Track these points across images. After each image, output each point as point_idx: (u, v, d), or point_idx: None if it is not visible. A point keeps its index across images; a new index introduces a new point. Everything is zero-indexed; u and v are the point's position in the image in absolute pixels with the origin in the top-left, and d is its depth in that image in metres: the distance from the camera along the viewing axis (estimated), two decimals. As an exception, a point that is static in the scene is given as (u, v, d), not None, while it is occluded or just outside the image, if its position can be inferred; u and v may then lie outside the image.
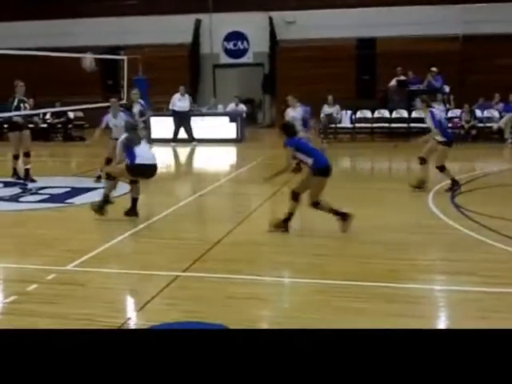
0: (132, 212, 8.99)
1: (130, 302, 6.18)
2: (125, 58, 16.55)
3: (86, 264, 7.05)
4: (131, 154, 8.75)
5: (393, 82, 20.67)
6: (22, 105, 12.00)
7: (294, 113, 13.05)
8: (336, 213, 8.23)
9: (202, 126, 18.73)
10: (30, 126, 20.47)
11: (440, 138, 10.80)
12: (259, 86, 24.07)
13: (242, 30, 24.20)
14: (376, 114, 20.01)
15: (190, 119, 18.61)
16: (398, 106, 20.02)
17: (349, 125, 19.98)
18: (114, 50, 23.42)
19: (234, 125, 18.86)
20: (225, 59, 24.54)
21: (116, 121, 11.78)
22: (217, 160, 16.62)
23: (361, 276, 6.48)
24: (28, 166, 12.22)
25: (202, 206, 10.69)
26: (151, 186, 10.66)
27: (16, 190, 11.25)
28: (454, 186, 10.76)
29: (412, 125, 19.21)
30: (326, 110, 19.61)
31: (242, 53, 24.35)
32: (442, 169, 10.83)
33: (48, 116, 20.98)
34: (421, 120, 19.23)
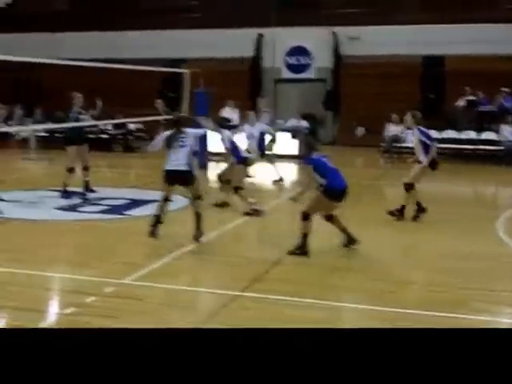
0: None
1: (187, 321, 6.14)
2: (187, 71, 16.66)
3: (144, 278, 7.08)
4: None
5: (461, 102, 20.30)
6: (80, 116, 12.17)
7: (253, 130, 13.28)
8: (346, 233, 8.34)
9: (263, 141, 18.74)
10: (91, 136, 20.99)
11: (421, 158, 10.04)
12: (321, 102, 24.00)
13: (305, 45, 24.21)
14: (442, 135, 19.67)
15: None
16: (466, 126, 19.66)
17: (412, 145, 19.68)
18: (176, 62, 23.71)
19: (295, 141, 18.81)
20: (286, 74, 24.57)
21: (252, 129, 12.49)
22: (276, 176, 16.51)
23: (428, 305, 6.31)
24: (87, 178, 12.32)
25: (262, 224, 10.63)
26: (210, 201, 10.71)
27: (76, 200, 11.42)
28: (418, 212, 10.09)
29: (480, 147, 18.82)
30: (391, 129, 19.38)
31: (304, 68, 24.35)
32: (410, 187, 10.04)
33: (109, 127, 21.34)
34: (491, 142, 18.95)
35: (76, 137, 12.12)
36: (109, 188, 13.05)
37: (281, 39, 23.99)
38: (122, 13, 26.59)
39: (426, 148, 9.94)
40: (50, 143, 21.12)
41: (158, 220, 8.80)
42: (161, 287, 6.87)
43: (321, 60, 23.97)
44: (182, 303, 6.60)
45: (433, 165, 10.03)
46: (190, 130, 8.83)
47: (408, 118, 10.04)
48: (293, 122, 20.31)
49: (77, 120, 12.02)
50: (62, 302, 6.46)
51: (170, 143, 8.79)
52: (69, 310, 6.03)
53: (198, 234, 8.59)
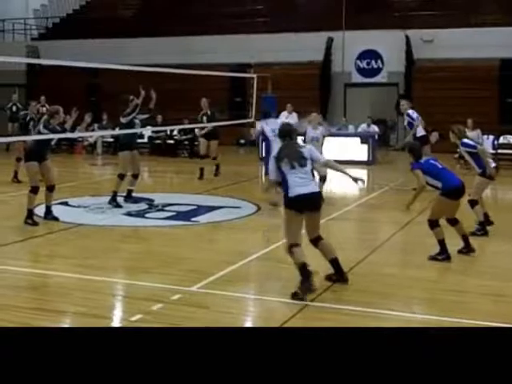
0: None
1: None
2: (254, 75, 16.71)
3: (211, 286, 7.08)
4: None
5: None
6: (135, 121, 12.24)
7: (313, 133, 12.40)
8: (466, 240, 8.27)
9: (331, 147, 18.59)
10: (158, 141, 21.28)
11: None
12: (392, 107, 23.69)
13: (376, 49, 23.98)
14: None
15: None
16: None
17: (491, 150, 19.22)
18: (243, 67, 23.84)
19: (365, 146, 18.62)
20: (357, 78, 24.38)
21: (315, 133, 12.12)
22: (345, 183, 16.35)
23: (499, 317, 6.12)
24: (132, 188, 11.98)
25: (331, 232, 10.51)
26: (275, 209, 10.65)
27: (143, 206, 11.55)
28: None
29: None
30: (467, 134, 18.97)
31: (375, 72, 24.11)
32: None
33: (175, 132, 21.58)
34: None
35: (128, 142, 11.93)
36: (176, 194, 13.16)
37: (351, 43, 23.82)
38: (188, 18, 26.92)
39: (477, 159, 9.65)
40: (116, 149, 21.50)
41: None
42: (228, 295, 6.85)
43: (393, 64, 23.69)
44: (250, 312, 6.58)
45: (489, 174, 9.62)
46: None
47: (450, 135, 9.74)
48: (363, 127, 20.10)
49: (132, 125, 11.98)
50: (129, 308, 6.51)
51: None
52: (135, 318, 6.07)
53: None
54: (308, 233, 6.98)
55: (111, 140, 21.45)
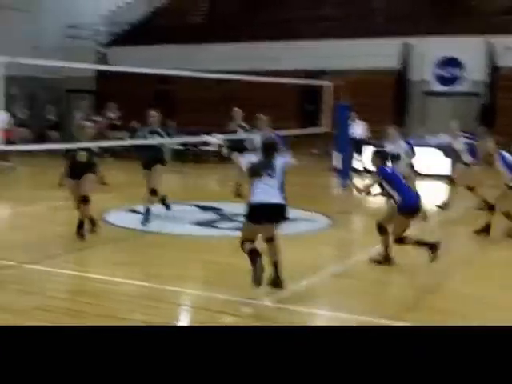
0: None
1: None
2: (328, 83, 16.66)
3: (283, 300, 7.04)
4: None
5: None
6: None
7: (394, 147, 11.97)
8: (424, 244, 8.27)
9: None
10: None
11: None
12: (474, 117, 23.26)
13: (457, 56, 23.60)
14: None
15: (361, 147, 18.43)
16: None
17: None
18: (315, 74, 23.80)
19: (447, 160, 18.26)
20: (436, 87, 24.03)
21: (395, 148, 11.64)
22: (425, 198, 16.04)
23: None
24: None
25: (409, 249, 10.34)
26: (349, 222, 10.60)
27: (211, 215, 11.62)
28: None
29: None
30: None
31: (455, 80, 23.72)
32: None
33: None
34: None
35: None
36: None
37: (430, 49, 23.51)
38: (257, 24, 27.08)
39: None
40: (184, 156, 21.76)
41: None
42: (301, 311, 6.82)
43: (474, 72, 23.26)
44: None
45: None
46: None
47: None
48: (444, 138, 19.73)
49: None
50: (197, 320, 6.53)
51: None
52: (206, 330, 6.08)
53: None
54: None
55: (180, 148, 21.69)
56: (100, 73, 27.57)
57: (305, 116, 24.84)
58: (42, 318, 6.38)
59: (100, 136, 21.61)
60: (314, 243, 10.16)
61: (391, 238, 8.31)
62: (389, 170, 8.43)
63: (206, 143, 19.57)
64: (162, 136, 11.05)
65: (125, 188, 14.65)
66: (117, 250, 9.70)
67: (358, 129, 18.78)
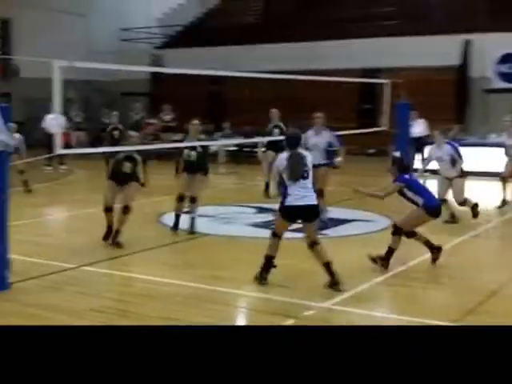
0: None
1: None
2: (386, 81, 16.48)
3: (344, 303, 7.00)
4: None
5: None
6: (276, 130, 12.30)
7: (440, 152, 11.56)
8: (430, 245, 8.47)
9: (470, 158, 17.99)
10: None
11: None
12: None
13: (520, 52, 23.16)
14: None
15: (422, 147, 18.12)
16: None
17: None
18: (372, 73, 23.61)
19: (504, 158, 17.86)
20: (497, 84, 23.58)
21: (440, 153, 11.48)
22: (488, 197, 15.79)
23: None
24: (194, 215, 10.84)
25: (472, 250, 10.17)
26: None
27: (269, 217, 11.59)
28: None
29: None
30: None
31: (518, 77, 23.28)
32: None
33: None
34: None
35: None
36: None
37: (491, 46, 23.07)
38: (312, 23, 27.00)
39: None
40: (238, 158, 21.82)
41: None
42: (361, 313, 6.77)
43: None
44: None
45: None
46: None
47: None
48: (504, 138, 19.34)
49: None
50: (258, 322, 6.50)
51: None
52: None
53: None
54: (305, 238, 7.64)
55: (234, 149, 21.77)
56: (154, 75, 27.86)
57: (361, 115, 24.67)
58: (96, 319, 6.46)
59: (155, 138, 21.92)
60: (373, 244, 10.05)
61: (404, 229, 8.41)
62: (407, 177, 8.57)
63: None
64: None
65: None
66: (173, 252, 9.77)
67: (419, 128, 18.53)
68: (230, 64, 22.82)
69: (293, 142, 7.53)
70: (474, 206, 11.38)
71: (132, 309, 6.87)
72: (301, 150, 7.61)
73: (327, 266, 7.34)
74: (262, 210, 12.00)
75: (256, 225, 11.04)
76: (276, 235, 7.72)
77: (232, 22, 29.63)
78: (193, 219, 10.40)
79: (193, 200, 10.41)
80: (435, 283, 7.97)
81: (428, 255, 8.83)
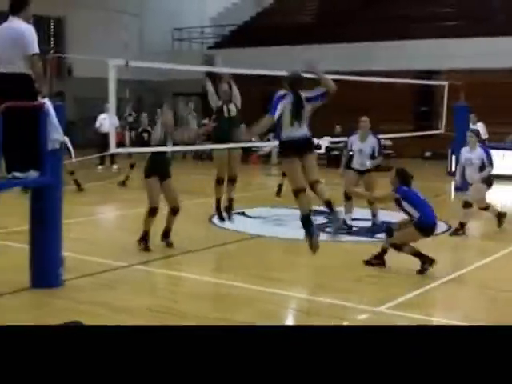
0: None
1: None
2: (445, 83, 16.35)
3: (399, 307, 6.99)
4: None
5: None
6: None
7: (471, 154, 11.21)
8: (420, 256, 8.32)
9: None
10: (335, 153, 21.38)
11: None
12: None
13: None
14: None
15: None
16: None
17: None
18: (428, 74, 23.43)
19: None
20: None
21: (471, 155, 11.24)
22: None
23: None
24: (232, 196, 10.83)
25: None
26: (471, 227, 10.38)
27: (323, 220, 11.60)
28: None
29: None
30: None
31: None
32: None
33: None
34: None
35: None
36: (357, 208, 13.10)
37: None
38: (369, 23, 26.90)
39: None
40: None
41: None
42: (414, 317, 6.75)
43: None
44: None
45: None
46: None
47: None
48: None
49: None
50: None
51: None
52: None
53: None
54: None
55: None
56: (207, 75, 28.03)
57: (418, 118, 24.51)
58: (149, 318, 6.59)
59: (207, 138, 22.08)
60: (430, 248, 10.02)
61: (392, 241, 8.48)
62: (406, 189, 8.53)
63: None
64: None
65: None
66: (224, 253, 9.87)
67: (481, 131, 18.30)
68: (284, 64, 22.84)
69: (296, 82, 7.75)
70: (501, 214, 11.19)
71: (183, 308, 6.98)
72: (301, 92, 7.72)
73: (328, 203, 7.80)
74: (314, 213, 11.96)
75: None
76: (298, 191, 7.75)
77: (287, 21, 29.68)
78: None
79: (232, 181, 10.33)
80: (491, 287, 7.88)
81: (481, 262, 8.78)
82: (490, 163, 11.02)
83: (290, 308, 7.38)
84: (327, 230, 11.01)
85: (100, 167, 18.97)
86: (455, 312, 7.15)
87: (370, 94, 22.27)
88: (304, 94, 7.66)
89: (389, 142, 22.70)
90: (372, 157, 11.29)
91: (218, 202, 10.33)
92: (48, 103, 7.10)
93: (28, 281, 7.39)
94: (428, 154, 23.62)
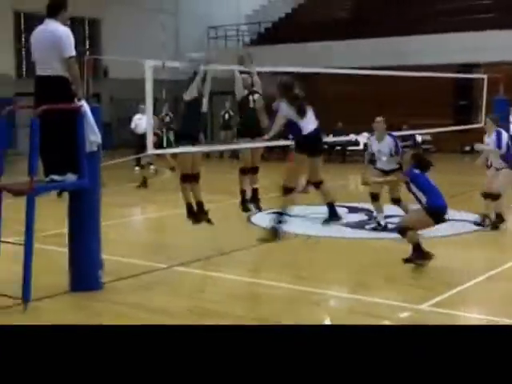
0: None
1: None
2: (484, 76, 16.15)
3: (441, 305, 6.92)
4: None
5: None
6: None
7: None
8: (419, 249, 8.28)
9: None
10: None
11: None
12: None
13: None
14: None
15: None
16: None
17: None
18: (468, 68, 23.19)
19: None
20: None
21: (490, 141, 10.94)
22: None
23: None
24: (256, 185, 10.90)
25: None
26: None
27: (362, 217, 11.56)
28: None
29: None
30: None
31: None
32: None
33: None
34: None
35: None
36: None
37: None
38: (405, 17, 26.71)
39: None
40: (329, 157, 21.75)
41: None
42: (457, 315, 6.73)
43: None
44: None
45: None
46: None
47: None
48: None
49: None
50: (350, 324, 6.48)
51: None
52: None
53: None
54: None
55: (324, 147, 21.65)
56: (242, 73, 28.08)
57: (457, 111, 24.27)
58: (189, 319, 6.61)
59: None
60: (469, 245, 9.95)
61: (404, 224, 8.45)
62: (417, 173, 8.43)
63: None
64: None
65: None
66: (262, 253, 9.84)
67: None
68: (319, 60, 22.81)
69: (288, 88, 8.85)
70: (499, 216, 10.67)
71: (223, 309, 6.99)
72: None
73: (331, 205, 8.85)
74: (353, 210, 11.95)
75: (348, 225, 11.00)
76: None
77: (321, 17, 29.60)
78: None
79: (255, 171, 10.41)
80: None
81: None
82: (499, 145, 10.71)
83: (328, 307, 7.35)
84: (366, 227, 10.98)
85: (137, 168, 19.09)
86: (499, 309, 7.05)
87: (409, 89, 22.10)
88: None
89: (428, 137, 22.56)
90: (391, 157, 10.84)
91: (243, 193, 10.50)
92: (85, 105, 7.17)
93: (67, 284, 7.46)
94: (467, 148, 23.35)
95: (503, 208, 10.69)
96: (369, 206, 11.78)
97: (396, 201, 10.59)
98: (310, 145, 8.94)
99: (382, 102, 23.36)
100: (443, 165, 15.55)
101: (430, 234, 10.31)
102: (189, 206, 9.51)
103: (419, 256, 8.24)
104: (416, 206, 8.72)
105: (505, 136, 10.79)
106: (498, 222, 10.56)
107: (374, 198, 10.68)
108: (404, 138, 21.23)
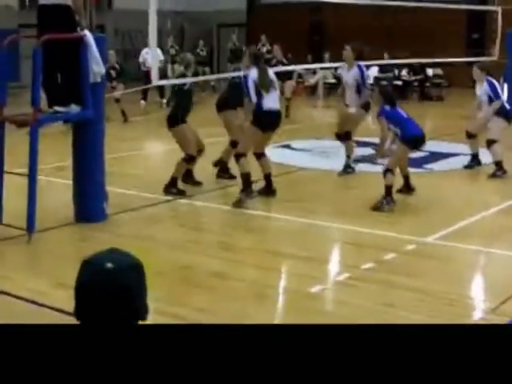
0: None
1: (495, 288, 5.86)
2: (498, 7, 15.92)
3: (447, 237, 7.00)
4: None
5: None
6: None
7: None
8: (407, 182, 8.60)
9: None
10: (384, 83, 21.09)
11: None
12: None
13: None
14: None
15: None
16: None
17: None
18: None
19: None
20: None
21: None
22: None
23: None
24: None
25: None
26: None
27: (369, 151, 11.54)
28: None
29: None
30: None
31: None
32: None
33: (404, 72, 21.27)
34: None
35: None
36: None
37: None
38: None
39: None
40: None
41: None
42: (467, 248, 6.80)
43: None
44: (488, 268, 6.46)
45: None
46: None
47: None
48: None
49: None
50: (359, 256, 6.57)
51: None
52: (367, 266, 6.16)
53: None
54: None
55: (333, 81, 21.55)
56: (250, 5, 27.78)
57: (470, 45, 23.97)
58: (197, 251, 6.70)
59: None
60: (478, 179, 10.00)
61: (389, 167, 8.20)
62: (388, 109, 8.35)
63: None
64: None
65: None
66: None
67: None
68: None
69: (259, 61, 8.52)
70: (499, 163, 9.97)
71: (231, 241, 7.09)
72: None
73: (268, 176, 8.68)
74: (360, 144, 11.92)
75: (355, 159, 11.00)
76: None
77: None
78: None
79: None
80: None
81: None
82: (496, 95, 10.27)
83: (337, 240, 7.44)
84: (375, 161, 10.99)
85: (143, 102, 19.02)
86: (499, 241, 7.12)
87: (419, 21, 21.79)
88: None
89: (440, 71, 22.33)
90: (357, 91, 9.99)
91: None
92: (89, 35, 7.13)
93: (72, 215, 7.54)
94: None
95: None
96: (376, 140, 11.81)
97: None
98: (267, 122, 8.43)
99: (390, 34, 23.08)
100: (454, 99, 15.46)
101: (437, 168, 10.37)
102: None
103: (389, 201, 8.05)
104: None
105: (497, 84, 10.51)
106: (497, 169, 9.94)
107: (340, 138, 10.34)
108: (415, 72, 21.08)
